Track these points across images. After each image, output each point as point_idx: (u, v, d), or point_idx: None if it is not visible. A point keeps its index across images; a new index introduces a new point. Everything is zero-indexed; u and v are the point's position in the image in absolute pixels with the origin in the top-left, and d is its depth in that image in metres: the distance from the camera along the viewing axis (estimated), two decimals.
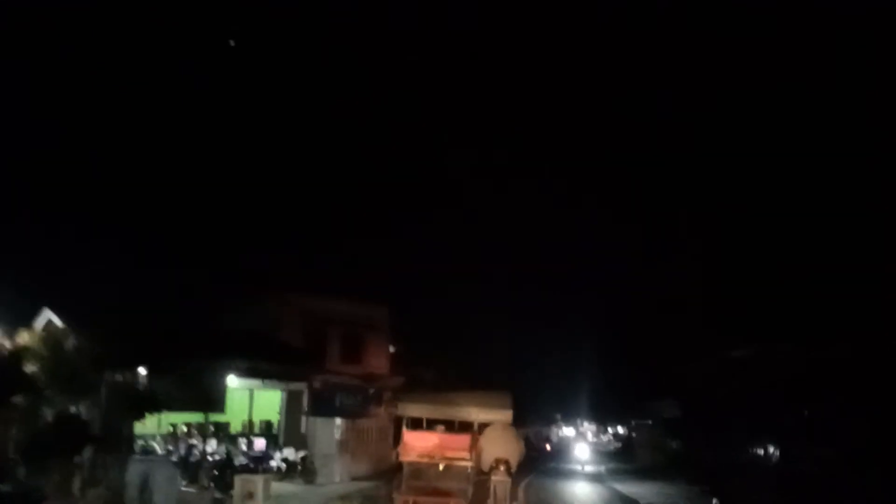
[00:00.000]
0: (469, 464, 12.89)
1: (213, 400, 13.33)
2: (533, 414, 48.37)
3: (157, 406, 14.55)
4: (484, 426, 13.54)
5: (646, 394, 30.73)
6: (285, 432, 21.27)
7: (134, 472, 14.73)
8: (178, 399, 14.67)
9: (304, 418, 20.93)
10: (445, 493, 12.54)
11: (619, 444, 63.67)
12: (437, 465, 12.74)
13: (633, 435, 51.31)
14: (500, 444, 13.58)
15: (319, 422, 20.38)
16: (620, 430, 75.07)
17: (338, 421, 20.19)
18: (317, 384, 16.09)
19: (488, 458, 13.43)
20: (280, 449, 20.16)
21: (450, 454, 12.83)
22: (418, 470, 12.85)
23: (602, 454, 47.77)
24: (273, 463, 19.93)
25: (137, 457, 15.47)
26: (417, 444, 13.07)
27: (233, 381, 18.68)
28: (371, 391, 19.14)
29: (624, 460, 35.11)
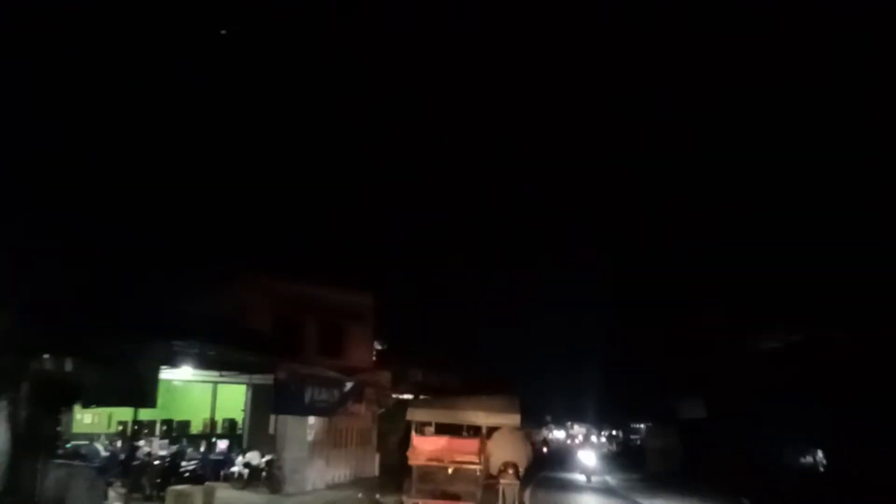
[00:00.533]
0: (478, 467, 12.91)
1: (141, 392, 10.52)
2: (522, 415, 45.49)
3: (76, 399, 11.72)
4: (492, 430, 13.57)
5: (657, 393, 27.90)
6: (250, 433, 18.48)
7: (51, 479, 11.99)
8: (105, 391, 11.82)
9: (272, 417, 18.15)
10: (454, 497, 12.63)
11: (613, 448, 60.72)
12: (447, 469, 12.84)
13: (632, 438, 48.71)
14: (509, 448, 13.55)
15: (290, 421, 17.57)
16: (614, 433, 72.31)
17: (311, 420, 17.39)
18: (282, 375, 13.28)
19: (497, 461, 13.39)
20: (242, 452, 17.34)
21: (459, 458, 12.94)
22: (427, 473, 12.95)
23: (601, 459, 44.31)
24: (234, 469, 17.18)
25: (57, 461, 12.63)
26: (427, 448, 13.22)
27: (185, 372, 15.97)
28: (349, 385, 16.35)
29: (629, 467, 31.65)
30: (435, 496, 12.74)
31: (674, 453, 25.57)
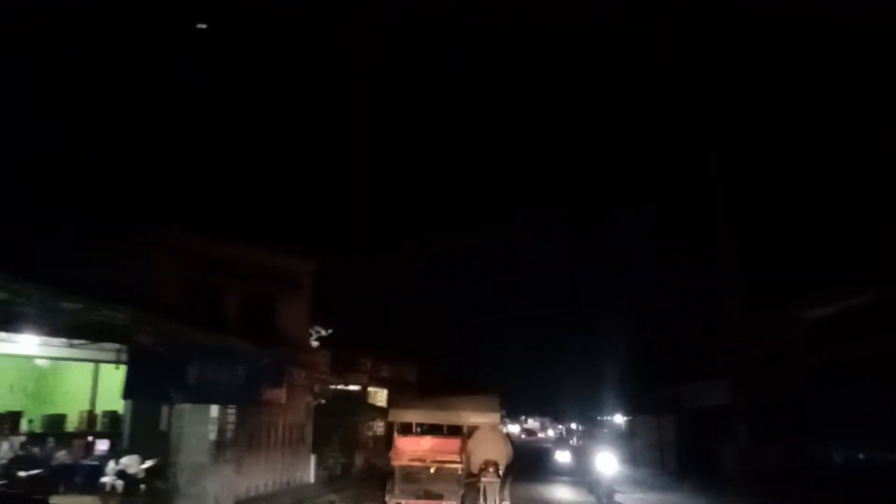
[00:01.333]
0: (459, 466, 13.19)
1: None
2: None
3: None
4: (473, 429, 13.85)
5: (651, 377, 23.80)
6: (133, 429, 13.73)
7: None
8: None
9: (164, 409, 13.48)
10: (437, 496, 12.91)
11: (575, 443, 56.50)
12: (429, 469, 13.11)
13: (601, 431, 44.93)
14: (489, 446, 13.69)
15: (188, 413, 12.91)
16: (574, 426, 68.63)
17: (213, 412, 12.76)
18: (146, 340, 8.62)
19: (477, 460, 13.54)
20: (116, 456, 12.59)
21: (441, 457, 13.26)
22: (410, 474, 13.18)
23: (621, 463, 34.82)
24: (105, 479, 12.41)
25: None
26: (409, 449, 13.51)
27: (29, 343, 11.23)
28: (264, 362, 11.79)
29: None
30: (418, 496, 12.99)
31: (670, 448, 21.52)
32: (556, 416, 78.26)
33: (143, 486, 12.05)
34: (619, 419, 40.44)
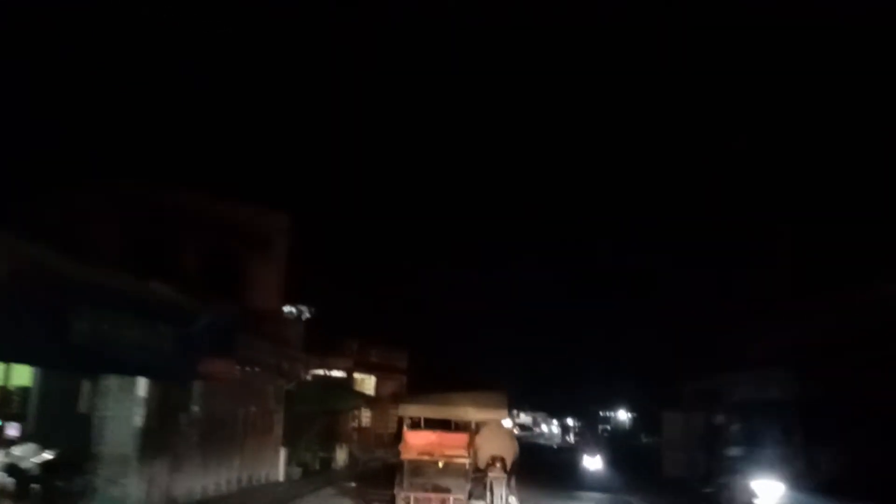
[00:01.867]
0: (467, 461, 13.53)
1: None
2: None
3: None
4: (480, 425, 14.23)
5: (682, 367, 20.74)
6: (41, 409, 10.70)
7: None
8: None
9: (84, 385, 10.48)
10: (445, 490, 13.22)
11: (571, 441, 53.21)
12: (437, 463, 13.49)
13: (604, 429, 42.10)
14: (496, 442, 14.01)
15: (114, 391, 9.92)
16: (571, 422, 65.76)
17: (142, 388, 9.77)
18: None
19: (484, 455, 13.83)
20: (8, 445, 9.57)
21: (448, 452, 13.67)
22: (418, 468, 13.55)
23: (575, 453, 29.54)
24: None
25: None
26: (417, 443, 13.94)
27: None
28: (203, 322, 8.75)
29: (647, 476, 20.70)
30: (426, 489, 13.24)
31: (700, 451, 18.30)
32: (551, 411, 75.04)
33: (36, 486, 9.02)
34: (624, 415, 37.65)
